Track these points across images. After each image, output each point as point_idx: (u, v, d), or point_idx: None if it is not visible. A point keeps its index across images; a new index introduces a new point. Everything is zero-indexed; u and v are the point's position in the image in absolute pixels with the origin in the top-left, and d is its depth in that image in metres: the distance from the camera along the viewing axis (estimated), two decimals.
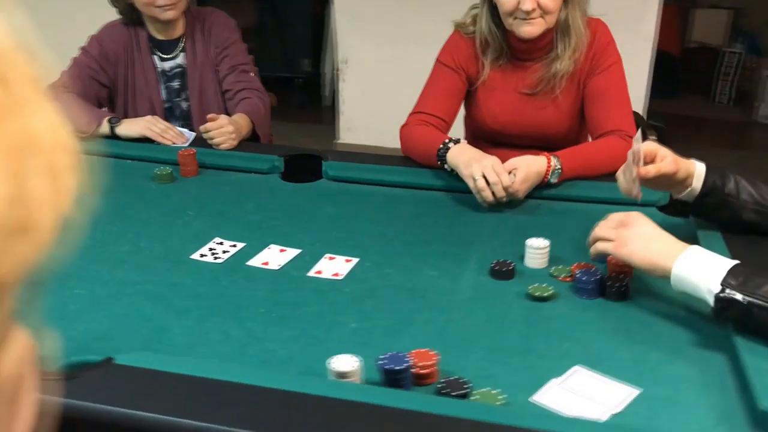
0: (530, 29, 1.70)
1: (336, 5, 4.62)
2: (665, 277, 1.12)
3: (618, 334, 1.12)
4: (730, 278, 1.03)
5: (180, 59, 2.12)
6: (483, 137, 1.90)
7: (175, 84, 2.12)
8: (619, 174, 1.35)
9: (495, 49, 1.79)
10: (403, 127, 1.85)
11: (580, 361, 1.03)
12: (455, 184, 1.65)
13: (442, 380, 0.96)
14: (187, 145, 1.92)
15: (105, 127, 1.91)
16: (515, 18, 1.70)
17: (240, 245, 1.43)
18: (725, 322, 1.07)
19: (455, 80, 1.84)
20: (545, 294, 1.21)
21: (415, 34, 4.39)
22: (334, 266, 1.34)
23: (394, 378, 0.94)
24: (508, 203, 1.57)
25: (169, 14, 2.00)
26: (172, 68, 2.12)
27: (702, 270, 1.07)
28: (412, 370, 0.95)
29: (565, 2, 1.70)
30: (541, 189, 1.61)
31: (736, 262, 1.07)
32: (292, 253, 1.39)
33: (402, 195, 1.70)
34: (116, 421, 0.89)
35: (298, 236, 1.47)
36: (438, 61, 1.87)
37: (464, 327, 1.15)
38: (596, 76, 1.76)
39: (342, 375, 0.97)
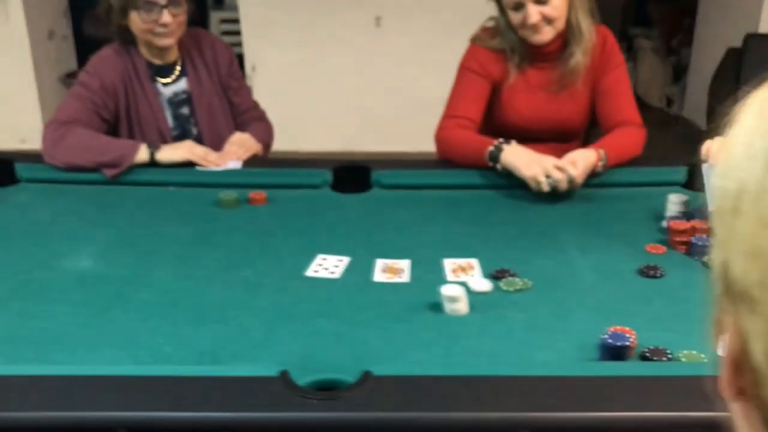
0: (540, 37, 1.90)
1: (241, 13, 4.60)
2: None
3: None
4: None
5: (183, 84, 2.09)
6: (505, 135, 2.07)
7: (184, 111, 2.09)
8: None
9: (518, 55, 1.97)
10: (440, 131, 1.98)
11: None
12: (499, 181, 1.83)
13: (645, 350, 1.12)
14: (238, 167, 1.92)
15: (144, 155, 1.86)
16: (526, 29, 1.90)
17: (345, 259, 1.50)
18: None
19: (483, 84, 1.99)
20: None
21: (321, 38, 4.48)
22: (471, 272, 1.44)
23: (617, 352, 1.09)
24: (561, 192, 1.76)
25: (167, 41, 1.98)
26: (176, 94, 2.08)
27: None
28: (627, 344, 1.10)
29: (571, 5, 1.91)
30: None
31: None
32: (404, 263, 1.48)
33: (458, 196, 1.83)
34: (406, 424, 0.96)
35: (396, 245, 1.56)
36: (464, 67, 2.02)
37: (622, 302, 1.31)
38: (608, 73, 1.99)
39: (452, 299, 1.24)
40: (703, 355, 1.11)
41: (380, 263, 1.48)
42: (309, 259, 1.49)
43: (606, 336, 1.11)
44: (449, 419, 0.96)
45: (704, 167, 1.56)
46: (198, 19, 6.14)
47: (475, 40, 2.04)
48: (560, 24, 1.90)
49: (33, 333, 1.21)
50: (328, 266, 1.48)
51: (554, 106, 2.02)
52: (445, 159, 1.98)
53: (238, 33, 5.51)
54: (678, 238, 1.51)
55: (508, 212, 1.73)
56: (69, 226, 1.64)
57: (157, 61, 2.06)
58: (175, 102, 2.08)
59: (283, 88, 4.61)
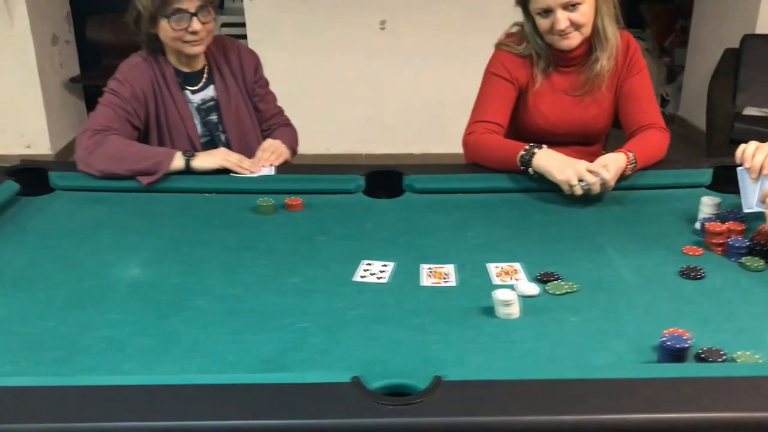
0: (568, 42, 1.94)
1: (247, 16, 4.61)
2: None
3: None
4: None
5: (210, 91, 2.11)
6: (530, 138, 2.09)
7: (213, 117, 2.10)
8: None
9: (544, 60, 2.00)
10: (469, 135, 2.01)
11: None
12: (530, 185, 1.88)
13: (700, 351, 1.15)
14: (272, 173, 1.94)
15: (179, 162, 1.88)
16: (553, 34, 1.93)
17: (390, 264, 1.52)
18: None
19: (510, 89, 2.02)
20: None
21: (326, 42, 4.51)
22: (515, 276, 1.47)
23: (677, 354, 1.12)
24: (593, 195, 1.79)
25: (197, 49, 2.00)
26: (204, 101, 2.10)
27: None
28: (687, 346, 1.14)
29: (597, 11, 1.94)
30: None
31: None
32: (449, 268, 1.50)
33: (490, 200, 1.86)
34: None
35: (437, 249, 1.58)
36: (490, 72, 2.05)
37: (668, 303, 1.34)
38: (632, 77, 2.03)
39: (506, 303, 1.29)
40: (758, 356, 1.15)
41: (425, 268, 1.50)
42: (353, 264, 1.52)
43: (665, 339, 1.14)
44: (528, 422, 0.99)
45: (739, 170, 1.59)
46: None
47: (500, 46, 2.07)
48: (587, 29, 1.93)
49: (95, 342, 1.22)
50: (374, 271, 1.50)
51: (578, 109, 2.05)
52: (474, 163, 2.01)
53: (240, 37, 5.54)
54: (714, 240, 1.54)
55: (542, 216, 1.76)
56: (112, 234, 1.65)
57: (185, 69, 2.07)
58: (204, 109, 2.10)
59: (288, 91, 4.61)
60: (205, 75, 2.10)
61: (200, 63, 2.09)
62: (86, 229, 1.68)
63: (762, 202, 1.54)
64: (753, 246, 1.50)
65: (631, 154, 1.85)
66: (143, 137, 2.02)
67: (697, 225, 1.65)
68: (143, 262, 1.52)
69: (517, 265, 1.50)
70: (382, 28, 4.37)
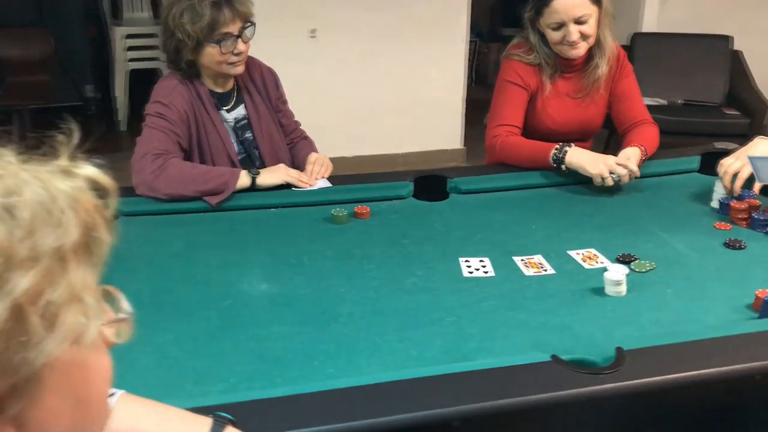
0: (577, 52, 2.19)
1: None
2: None
3: None
4: None
5: (242, 110, 2.16)
6: (537, 137, 2.31)
7: (248, 135, 2.16)
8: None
9: (550, 67, 2.25)
10: (494, 138, 2.22)
11: None
12: (561, 179, 2.12)
13: None
14: (328, 185, 2.04)
15: (246, 180, 1.93)
16: (563, 45, 2.18)
17: (485, 259, 1.69)
18: None
19: (523, 95, 2.25)
20: None
21: (257, 50, 4.53)
22: (597, 259, 1.69)
23: None
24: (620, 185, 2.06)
25: (240, 69, 2.06)
26: (238, 120, 2.15)
27: None
28: None
29: (599, 22, 2.21)
30: None
31: None
32: (539, 258, 1.69)
33: (530, 195, 2.08)
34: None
35: (513, 243, 1.76)
36: (505, 80, 2.26)
37: (734, 270, 1.61)
38: (624, 80, 2.32)
39: (617, 282, 1.48)
40: None
41: (519, 260, 1.69)
42: (451, 262, 1.67)
43: None
44: (704, 374, 1.20)
45: (749, 158, 1.91)
46: (96, 35, 5.96)
47: (511, 56, 2.29)
48: (593, 40, 2.19)
49: (284, 354, 1.30)
50: (477, 266, 1.65)
51: (580, 110, 2.32)
52: (502, 162, 2.21)
53: (143, 48, 5.40)
54: (740, 216, 1.85)
55: (585, 206, 2.00)
56: (213, 254, 1.69)
57: (218, 90, 2.11)
58: (239, 127, 2.15)
59: None
60: (235, 94, 2.15)
61: (231, 83, 2.14)
62: (184, 251, 1.71)
63: None
64: None
65: (642, 147, 2.13)
66: (186, 158, 2.04)
67: (715, 204, 1.95)
68: (264, 276, 1.58)
69: (593, 251, 1.73)
70: (313, 37, 4.46)
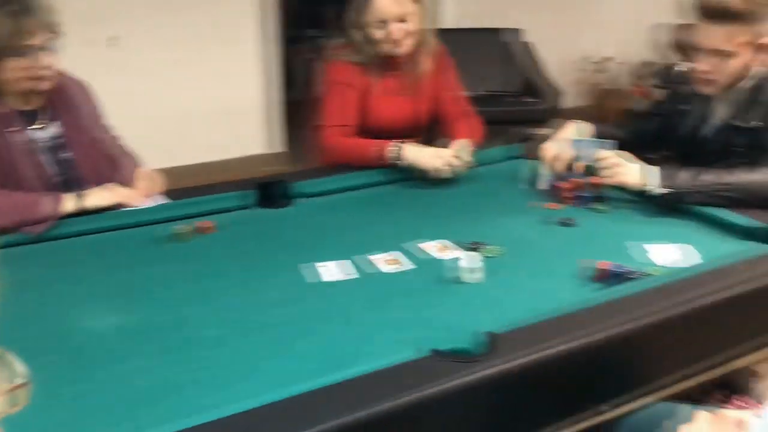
0: (401, 50, 2.25)
1: None
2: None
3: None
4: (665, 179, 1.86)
5: (56, 128, 1.96)
6: (369, 135, 2.34)
7: (65, 155, 1.95)
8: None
9: (376, 65, 2.28)
10: (327, 139, 2.22)
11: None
12: (399, 176, 2.16)
13: (626, 272, 1.55)
14: (163, 201, 1.90)
15: (70, 204, 1.74)
16: (388, 43, 2.22)
17: (342, 261, 1.66)
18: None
19: (353, 94, 2.26)
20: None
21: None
22: (450, 249, 1.74)
23: (623, 278, 1.51)
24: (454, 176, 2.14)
25: (47, 84, 1.88)
26: (53, 138, 1.94)
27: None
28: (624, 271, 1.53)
29: (419, 20, 2.27)
30: None
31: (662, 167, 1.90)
32: (396, 254, 1.71)
33: (373, 193, 2.09)
34: None
35: (367, 242, 1.75)
36: (332, 81, 2.27)
37: (574, 244, 1.73)
38: (446, 74, 2.41)
39: (473, 270, 1.54)
40: (662, 268, 1.59)
41: (375, 258, 1.69)
42: (310, 268, 1.63)
43: (613, 267, 1.52)
44: (570, 348, 1.28)
45: (574, 141, 2.06)
46: None
47: (336, 57, 2.29)
48: (416, 37, 2.25)
49: (142, 391, 1.19)
50: (337, 270, 1.63)
51: (408, 106, 2.37)
52: (338, 163, 2.21)
53: None
54: (567, 195, 2.00)
55: (428, 199, 2.06)
56: (45, 292, 1.51)
57: (25, 107, 1.90)
58: (54, 147, 1.94)
59: None
60: (49, 111, 1.95)
61: (41, 99, 1.93)
62: (11, 295, 1.50)
63: (592, 162, 2.03)
64: (596, 196, 1.98)
65: (471, 139, 2.23)
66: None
67: (543, 186, 2.09)
68: (110, 308, 1.45)
69: (445, 241, 1.77)
70: (112, 44, 4.17)
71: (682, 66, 4.98)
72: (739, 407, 1.27)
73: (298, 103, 6.08)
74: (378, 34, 2.20)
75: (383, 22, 2.17)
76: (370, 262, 1.67)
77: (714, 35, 1.92)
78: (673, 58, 5.27)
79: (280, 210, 1.97)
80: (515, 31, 5.13)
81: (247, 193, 1.98)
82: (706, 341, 1.49)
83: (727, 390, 1.78)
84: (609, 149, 1.99)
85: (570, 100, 5.32)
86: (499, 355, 1.23)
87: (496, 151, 2.38)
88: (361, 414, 1.08)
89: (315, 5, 7.17)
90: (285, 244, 1.76)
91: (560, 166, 2.06)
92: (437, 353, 1.24)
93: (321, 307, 1.47)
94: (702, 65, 1.98)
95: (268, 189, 2.02)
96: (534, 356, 1.24)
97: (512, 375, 1.22)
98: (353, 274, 1.62)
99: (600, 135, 2.15)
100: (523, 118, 4.50)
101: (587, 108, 5.72)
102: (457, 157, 2.11)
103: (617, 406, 1.37)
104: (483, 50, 5.01)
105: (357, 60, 2.27)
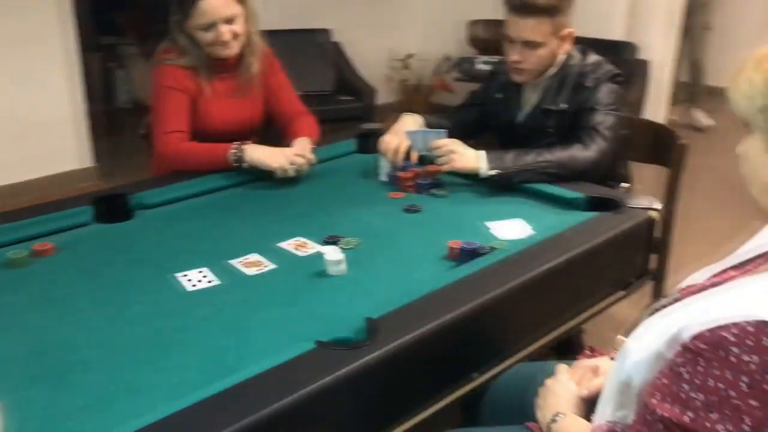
0: (230, 52, 2.24)
1: None
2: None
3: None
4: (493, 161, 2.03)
5: None
6: (204, 140, 2.28)
7: None
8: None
9: (206, 68, 2.24)
10: (165, 146, 2.14)
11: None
12: (241, 178, 2.15)
13: (476, 249, 1.68)
14: None
15: None
16: (216, 45, 2.20)
17: (203, 269, 1.63)
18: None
19: (185, 99, 2.21)
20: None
21: None
22: (309, 246, 1.76)
23: (474, 253, 1.63)
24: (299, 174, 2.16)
25: None
26: None
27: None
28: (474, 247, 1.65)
29: (248, 20, 2.26)
30: None
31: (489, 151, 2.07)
32: (255, 257, 1.71)
33: (221, 197, 2.06)
34: None
35: (222, 248, 1.74)
36: (163, 87, 2.19)
37: (424, 228, 1.83)
38: (275, 76, 2.42)
39: (338, 262, 1.59)
40: (505, 242, 1.73)
41: (236, 263, 1.67)
42: (170, 280, 1.58)
43: (463, 245, 1.63)
44: (442, 323, 1.36)
45: (407, 132, 2.17)
46: None
47: (165, 61, 2.22)
48: (243, 38, 2.24)
49: (13, 428, 1.10)
50: (199, 278, 1.59)
51: (241, 109, 2.36)
52: (178, 170, 2.14)
53: None
54: (408, 184, 2.10)
55: (276, 199, 2.06)
56: None
57: None
58: None
59: None
60: None
61: None
62: None
63: (428, 150, 2.14)
64: (435, 182, 2.11)
65: (310, 137, 2.26)
66: None
67: (383, 178, 2.18)
68: None
69: (302, 239, 1.79)
70: None
71: (481, 59, 5.39)
72: (594, 356, 1.42)
73: (102, 114, 5.78)
74: (206, 36, 2.16)
75: (211, 25, 2.14)
76: (231, 267, 1.65)
77: (523, 27, 2.12)
78: (472, 52, 5.66)
79: (122, 224, 1.88)
80: (325, 32, 5.23)
81: (82, 209, 1.86)
82: (551, 303, 1.65)
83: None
84: (442, 138, 2.12)
85: (383, 96, 5.52)
86: (381, 338, 1.29)
87: (336, 146, 2.44)
88: (255, 416, 1.08)
89: (107, 12, 6.78)
90: (138, 259, 1.69)
91: (399, 157, 2.16)
92: (323, 345, 1.27)
93: (192, 317, 1.43)
94: (514, 55, 2.17)
95: (106, 203, 1.92)
96: (411, 335, 1.31)
97: (395, 355, 1.28)
98: (216, 280, 1.59)
99: (428, 125, 2.28)
100: (341, 116, 4.61)
101: (397, 103, 5.97)
102: (300, 154, 2.13)
103: (486, 371, 1.49)
104: (296, 51, 5.03)
105: (186, 64, 2.22)
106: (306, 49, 5.16)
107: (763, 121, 0.95)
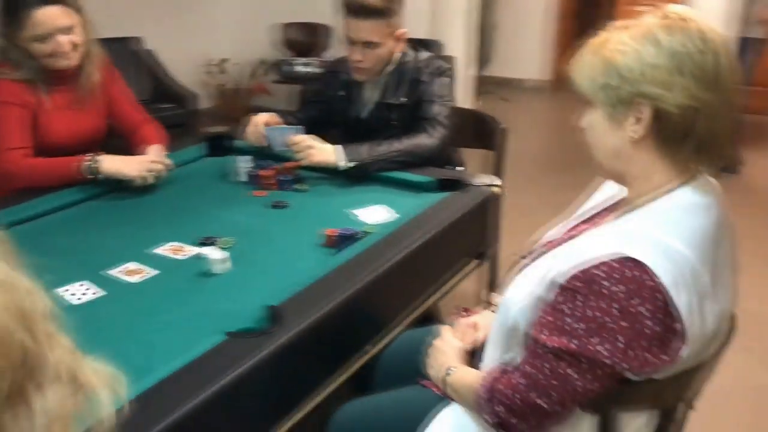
0: (69, 62, 2.17)
1: None
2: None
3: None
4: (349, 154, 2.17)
5: None
6: (48, 154, 2.19)
7: None
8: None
9: (43, 81, 2.15)
10: (9, 164, 2.05)
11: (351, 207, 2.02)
12: (97, 190, 2.11)
13: (351, 234, 1.80)
14: None
15: None
16: (52, 57, 2.13)
17: (84, 282, 1.60)
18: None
19: (25, 114, 2.11)
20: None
21: None
22: (185, 249, 1.78)
23: (351, 238, 1.75)
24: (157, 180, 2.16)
25: None
26: None
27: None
28: (351, 233, 1.77)
29: (85, 29, 2.20)
30: None
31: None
32: (133, 265, 1.70)
33: (82, 210, 2.00)
34: None
35: (96, 262, 1.71)
36: (1, 102, 2.07)
37: (297, 220, 1.92)
38: (115, 85, 2.37)
39: (223, 260, 1.65)
40: (375, 225, 1.87)
41: (115, 272, 1.66)
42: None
43: (341, 231, 1.75)
44: (332, 306, 1.48)
45: (266, 129, 2.24)
46: None
47: None
48: (83, 48, 2.18)
49: None
50: (83, 291, 1.57)
51: (83, 120, 2.29)
52: (26, 187, 2.04)
53: None
54: (270, 181, 2.17)
55: (140, 208, 2.04)
56: None
57: None
58: None
59: None
60: None
61: None
62: None
63: (286, 146, 2.23)
64: (296, 178, 2.20)
65: (162, 144, 2.26)
66: None
67: (243, 178, 2.23)
68: None
69: (176, 243, 1.81)
70: None
71: (299, 61, 5.52)
72: (470, 316, 1.60)
73: None
74: (43, 48, 2.08)
75: (47, 36, 2.06)
76: (112, 277, 1.64)
77: (361, 29, 2.27)
78: (288, 54, 5.77)
79: None
80: (137, 39, 5.07)
81: None
82: (425, 274, 1.82)
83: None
84: (300, 134, 2.22)
85: (203, 101, 5.46)
86: (287, 323, 1.38)
87: (186, 152, 2.44)
88: (174, 416, 1.12)
89: None
90: None
91: (258, 146, 2.25)
92: (233, 335, 1.33)
93: (86, 330, 1.39)
94: (355, 56, 2.32)
95: None
96: (314, 317, 1.42)
97: (300, 338, 1.37)
98: (100, 291, 1.58)
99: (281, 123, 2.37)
100: (164, 123, 4.48)
101: (217, 108, 5.93)
102: (156, 161, 2.13)
103: (377, 343, 1.62)
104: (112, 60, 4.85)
105: (21, 77, 2.12)
106: (118, 58, 4.92)
107: (604, 97, 1.17)
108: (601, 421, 1.23)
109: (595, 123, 1.22)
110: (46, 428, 0.46)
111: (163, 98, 4.93)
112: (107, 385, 0.50)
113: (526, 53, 7.29)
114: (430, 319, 2.27)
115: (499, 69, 6.97)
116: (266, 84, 5.92)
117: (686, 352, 1.11)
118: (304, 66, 5.39)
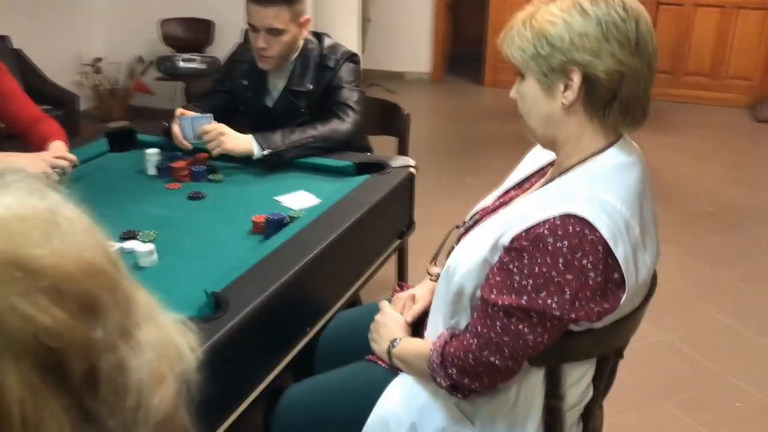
0: None
1: None
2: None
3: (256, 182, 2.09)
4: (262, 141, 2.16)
5: None
6: None
7: None
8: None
9: None
10: None
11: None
12: None
13: (277, 219, 1.79)
14: None
15: None
16: None
17: None
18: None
19: None
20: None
21: None
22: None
23: (280, 224, 1.74)
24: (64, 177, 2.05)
25: None
26: None
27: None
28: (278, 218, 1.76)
29: None
30: None
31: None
32: None
33: None
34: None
35: None
36: None
37: (218, 210, 1.89)
38: (3, 80, 2.22)
39: (150, 253, 1.61)
40: (300, 210, 1.87)
41: None
42: None
43: (270, 217, 1.74)
44: (270, 292, 1.47)
45: (180, 119, 2.18)
46: None
47: None
48: None
49: None
50: None
51: None
52: None
53: None
54: (183, 173, 2.12)
55: None
56: None
57: None
58: None
59: None
60: None
61: None
62: None
63: (198, 138, 2.18)
64: (209, 168, 2.16)
65: (62, 140, 2.14)
66: None
67: (152, 171, 2.16)
68: None
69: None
70: None
71: (182, 57, 5.35)
72: (406, 290, 1.64)
73: None
74: None
75: None
76: None
77: (265, 16, 2.25)
78: (168, 51, 5.59)
79: None
80: (2, 39, 4.73)
81: None
82: (354, 255, 1.85)
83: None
84: (210, 123, 2.17)
85: (82, 102, 5.18)
86: (232, 308, 1.36)
87: (88, 148, 2.33)
88: None
89: None
90: None
91: (175, 143, 2.19)
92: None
93: None
94: (259, 43, 2.30)
95: None
96: (257, 301, 1.41)
97: (246, 322, 1.36)
98: None
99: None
100: None
101: (95, 110, 5.65)
102: (60, 157, 2.02)
103: (315, 324, 1.63)
104: None
105: None
106: None
107: (535, 66, 1.24)
108: (547, 373, 1.30)
109: (527, 92, 1.28)
110: (155, 363, 0.45)
111: (38, 100, 4.62)
112: (181, 332, 0.50)
113: (404, 46, 7.44)
114: (354, 303, 2.30)
115: (379, 62, 7.08)
116: (145, 83, 5.70)
117: (624, 299, 1.20)
118: (185, 62, 5.22)
